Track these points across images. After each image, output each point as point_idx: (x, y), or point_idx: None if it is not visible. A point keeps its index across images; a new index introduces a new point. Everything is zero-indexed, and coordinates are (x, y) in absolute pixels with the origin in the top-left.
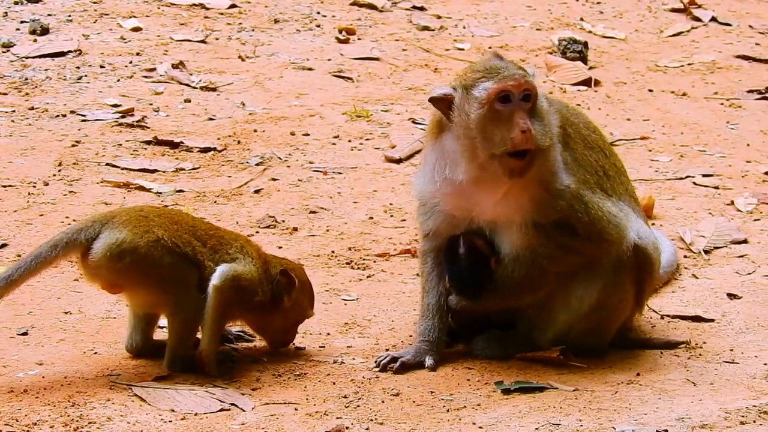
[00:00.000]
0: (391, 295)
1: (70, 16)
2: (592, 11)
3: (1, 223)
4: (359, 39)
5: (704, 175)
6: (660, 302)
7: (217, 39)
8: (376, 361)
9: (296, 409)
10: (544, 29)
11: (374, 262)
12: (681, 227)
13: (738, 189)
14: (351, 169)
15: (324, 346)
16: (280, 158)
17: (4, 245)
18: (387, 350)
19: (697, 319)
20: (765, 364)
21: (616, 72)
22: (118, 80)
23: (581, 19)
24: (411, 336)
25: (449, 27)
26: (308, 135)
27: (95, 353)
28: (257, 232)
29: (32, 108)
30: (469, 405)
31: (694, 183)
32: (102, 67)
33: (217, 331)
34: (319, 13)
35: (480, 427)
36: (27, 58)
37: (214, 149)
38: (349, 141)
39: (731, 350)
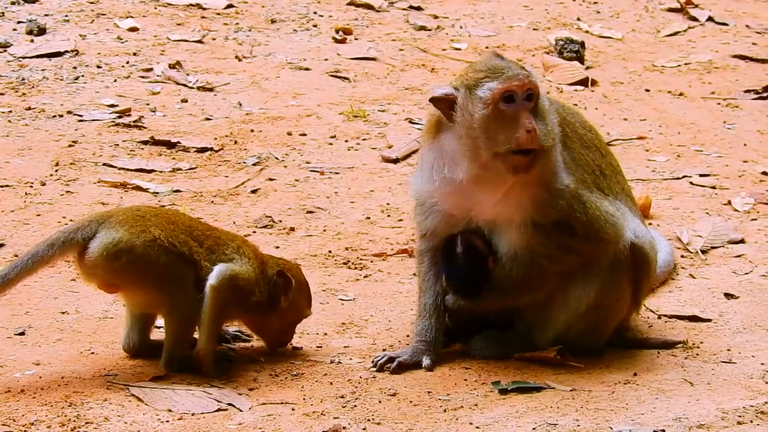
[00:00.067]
0: (388, 295)
1: (66, 16)
2: (589, 11)
3: None
4: (356, 39)
5: (701, 175)
6: (657, 302)
7: (213, 39)
8: (373, 361)
9: (293, 409)
10: (541, 29)
11: (371, 262)
12: (678, 227)
13: (735, 189)
14: (348, 169)
15: (321, 346)
16: (277, 158)
17: (1, 245)
18: (384, 350)
19: (694, 318)
20: (762, 364)
21: (613, 72)
22: (115, 80)
23: (578, 19)
24: (408, 336)
25: (446, 27)
26: (305, 135)
27: (92, 353)
28: (254, 232)
29: (29, 108)
30: (466, 405)
31: (691, 183)
32: (99, 67)
33: (215, 331)
34: (315, 13)
35: (477, 427)
36: (24, 58)
37: (211, 149)
38: (346, 141)
39: (728, 350)
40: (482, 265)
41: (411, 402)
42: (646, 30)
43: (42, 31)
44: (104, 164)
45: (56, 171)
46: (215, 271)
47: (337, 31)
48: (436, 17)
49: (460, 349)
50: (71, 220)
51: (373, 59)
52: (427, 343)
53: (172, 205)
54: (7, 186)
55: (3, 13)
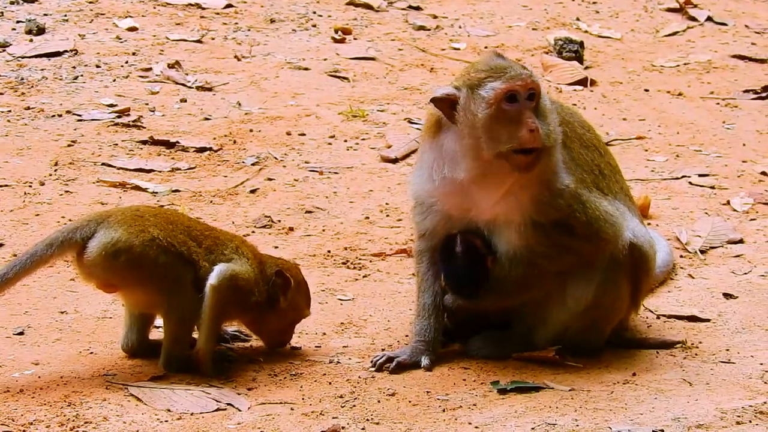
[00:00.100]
0: (387, 295)
1: (66, 15)
2: (588, 11)
3: None
4: (355, 39)
5: (700, 175)
6: (656, 302)
7: (213, 39)
8: (372, 361)
9: (292, 409)
10: (540, 29)
11: (370, 261)
12: (677, 227)
13: (734, 189)
14: (347, 169)
15: (320, 346)
16: (276, 158)
17: (0, 245)
18: (383, 350)
19: (693, 318)
20: (761, 364)
21: (612, 72)
22: (114, 80)
23: (577, 19)
24: (407, 336)
25: (445, 27)
26: (304, 135)
27: (91, 353)
28: (253, 231)
29: (28, 108)
30: (465, 405)
31: (690, 183)
32: (98, 66)
33: (214, 331)
34: (315, 12)
35: (476, 427)
36: (23, 57)
37: (210, 149)
38: (345, 141)
39: (727, 350)
40: (481, 265)
41: (410, 402)
42: (645, 30)
43: (41, 30)
44: (103, 164)
45: (55, 171)
46: (216, 271)
47: (336, 31)
48: (435, 17)
49: (458, 349)
50: (70, 220)
51: (372, 59)
52: (426, 343)
53: (171, 205)
54: (6, 186)
55: (2, 12)
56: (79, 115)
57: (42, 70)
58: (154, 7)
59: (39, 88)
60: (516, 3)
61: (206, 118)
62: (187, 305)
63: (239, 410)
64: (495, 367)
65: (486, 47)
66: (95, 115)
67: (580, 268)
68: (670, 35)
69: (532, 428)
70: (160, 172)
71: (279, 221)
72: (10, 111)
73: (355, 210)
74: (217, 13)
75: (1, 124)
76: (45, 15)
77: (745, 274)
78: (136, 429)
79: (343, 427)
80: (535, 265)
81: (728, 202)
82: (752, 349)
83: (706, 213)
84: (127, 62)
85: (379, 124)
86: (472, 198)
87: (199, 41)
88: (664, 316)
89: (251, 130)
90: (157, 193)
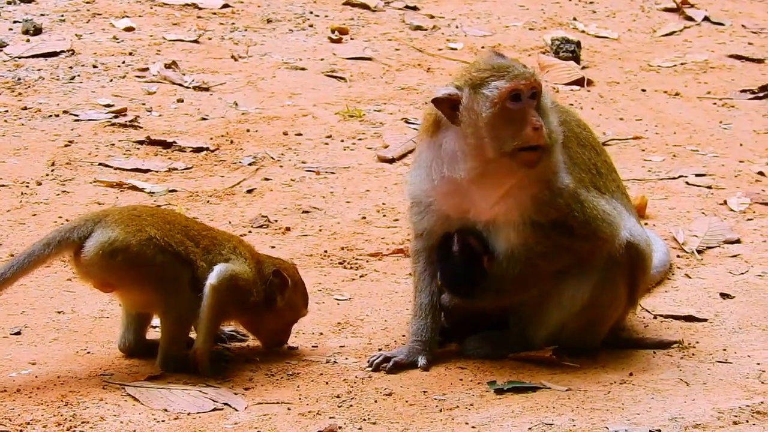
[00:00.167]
0: (383, 295)
1: (62, 16)
2: (585, 11)
3: None
4: (352, 39)
5: (697, 175)
6: (653, 302)
7: (209, 39)
8: (368, 361)
9: (289, 409)
10: (537, 29)
11: (367, 261)
12: (674, 227)
13: (731, 189)
14: (344, 169)
15: (317, 346)
16: (272, 158)
17: None
18: (380, 350)
19: (690, 318)
20: (758, 363)
21: (609, 72)
22: (111, 80)
23: (574, 19)
24: (404, 336)
25: (442, 27)
26: (301, 135)
27: (88, 353)
28: (250, 231)
29: (25, 108)
30: (461, 405)
31: (687, 183)
32: (95, 67)
33: (213, 331)
34: (311, 12)
35: (473, 427)
36: (20, 58)
37: (207, 149)
38: (342, 141)
39: (724, 350)
40: (477, 265)
41: (407, 402)
42: (642, 30)
43: (38, 30)
44: (100, 164)
45: (52, 171)
46: (215, 271)
47: (333, 31)
48: (432, 17)
49: (455, 348)
50: (67, 220)
51: (369, 59)
52: (422, 343)
53: (167, 205)
54: (3, 186)
55: None
56: (76, 115)
57: (39, 70)
58: (151, 8)
59: (36, 88)
60: (513, 3)
61: (203, 118)
62: (184, 305)
63: (236, 410)
64: (492, 367)
65: (483, 47)
66: (92, 115)
67: (577, 268)
68: (667, 35)
69: (529, 428)
70: (157, 172)
71: (276, 221)
72: (7, 111)
73: (352, 210)
74: (214, 13)
75: None
76: (42, 15)
77: (742, 274)
78: (133, 429)
79: (340, 427)
80: (533, 265)
81: (725, 202)
82: (749, 348)
83: (703, 213)
84: (124, 62)
85: (376, 124)
86: (471, 198)
87: (196, 41)
88: (661, 316)
89: (248, 130)
90: (154, 193)
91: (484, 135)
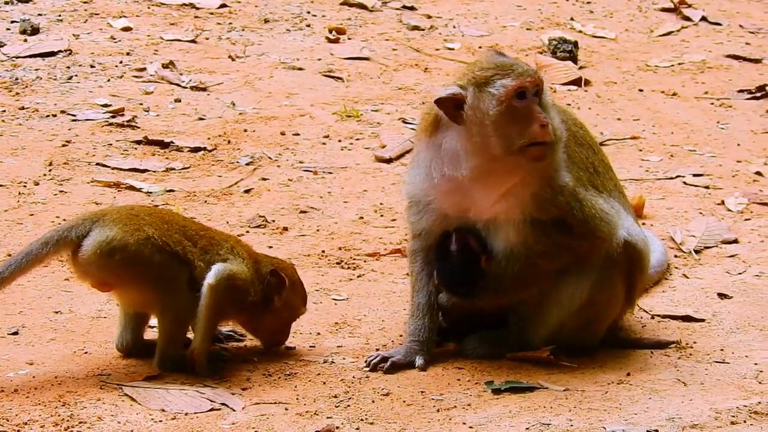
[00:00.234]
0: (381, 295)
1: (60, 15)
2: (583, 11)
3: None
4: (349, 39)
5: (695, 175)
6: (650, 302)
7: (207, 39)
8: (366, 361)
9: (286, 409)
10: (534, 29)
11: (364, 261)
12: (671, 227)
13: (728, 189)
14: (341, 169)
15: (314, 346)
16: (270, 158)
17: None
18: (377, 350)
19: (687, 318)
20: (755, 364)
21: (607, 72)
22: (109, 80)
23: (571, 19)
24: (401, 336)
25: (439, 27)
26: (298, 135)
27: (86, 353)
28: (247, 231)
29: (23, 108)
30: (459, 405)
31: (685, 183)
32: (92, 66)
33: (211, 331)
34: (309, 12)
35: (470, 427)
36: (17, 57)
37: (204, 149)
38: (339, 141)
39: (722, 350)
40: (475, 264)
41: (404, 402)
42: (639, 30)
43: (35, 30)
44: (97, 164)
45: (50, 171)
46: (213, 271)
47: (330, 31)
48: (429, 17)
49: (453, 348)
50: (65, 220)
51: (367, 59)
52: (420, 343)
53: (165, 205)
54: (0, 186)
55: None
56: (74, 115)
57: (36, 70)
58: (149, 7)
59: (33, 88)
60: (510, 3)
61: (200, 118)
62: (182, 305)
63: (233, 410)
64: (489, 366)
65: (480, 47)
66: (89, 115)
67: (575, 267)
68: (664, 35)
69: (527, 428)
70: (154, 172)
71: (273, 221)
72: (4, 111)
73: (350, 210)
74: (212, 13)
75: None
76: (39, 15)
77: (740, 274)
78: (131, 429)
79: (337, 427)
80: (532, 264)
81: (723, 202)
82: (747, 349)
83: (701, 213)
84: (121, 62)
85: (374, 124)
86: (472, 196)
87: (193, 41)
88: (658, 316)
89: (245, 130)
90: (151, 193)
91: (490, 133)
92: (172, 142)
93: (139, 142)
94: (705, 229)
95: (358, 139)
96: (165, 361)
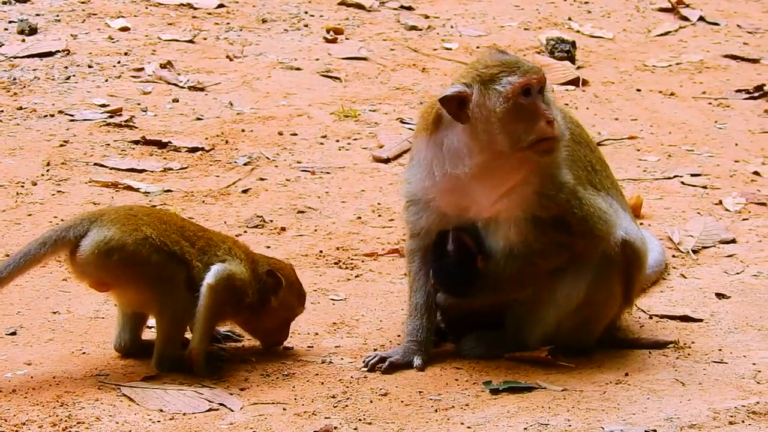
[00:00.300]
0: (379, 295)
1: (58, 16)
2: (580, 11)
3: None
4: (347, 39)
5: (692, 175)
6: (648, 302)
7: (205, 39)
8: (364, 361)
9: (284, 409)
10: (532, 29)
11: (362, 261)
12: (669, 227)
13: (726, 188)
14: (339, 169)
15: (312, 346)
16: (268, 158)
17: None
18: (375, 350)
19: (685, 318)
20: (754, 363)
21: (604, 71)
22: (106, 80)
23: (569, 19)
24: (399, 336)
25: (437, 27)
26: (296, 135)
27: (84, 353)
28: (245, 231)
29: (20, 108)
30: (457, 405)
31: (683, 182)
32: (90, 66)
33: (209, 331)
34: (306, 12)
35: (468, 427)
36: (15, 57)
37: (202, 149)
38: (337, 141)
39: (720, 350)
40: (471, 264)
41: (402, 402)
42: (637, 30)
43: (33, 30)
44: (95, 164)
45: (47, 171)
46: (212, 271)
47: (328, 31)
48: (427, 17)
49: (451, 349)
50: (62, 220)
51: (364, 59)
52: (418, 343)
53: (163, 205)
54: None
55: None
56: (72, 115)
57: (34, 70)
58: (146, 7)
59: (31, 88)
60: (508, 3)
61: (198, 118)
62: (179, 305)
63: (231, 410)
64: (487, 367)
65: (478, 47)
66: (87, 115)
67: (572, 265)
68: (662, 35)
69: (525, 428)
70: (152, 172)
71: (271, 221)
72: (2, 111)
73: (347, 210)
74: (209, 13)
75: None
76: (37, 15)
77: (738, 274)
78: (129, 429)
79: (335, 427)
80: (531, 263)
81: (720, 202)
82: (745, 349)
83: (699, 213)
84: (119, 62)
85: (371, 124)
86: (473, 195)
87: (191, 41)
88: (656, 316)
89: (243, 130)
90: (149, 193)
91: (496, 130)
92: (169, 142)
93: (136, 142)
94: (703, 229)
95: (355, 139)
96: (163, 362)
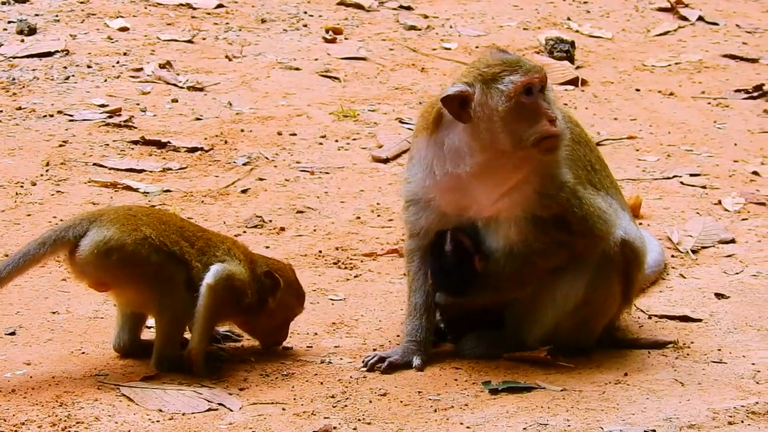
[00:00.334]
0: (378, 295)
1: (57, 16)
2: (579, 11)
3: None
4: (346, 39)
5: (691, 175)
6: (647, 302)
7: (204, 39)
8: (363, 361)
9: (284, 409)
10: (531, 29)
11: (361, 261)
12: (668, 227)
13: (725, 188)
14: (338, 169)
15: (311, 346)
16: (267, 158)
17: None
18: (374, 350)
19: (684, 318)
20: (753, 364)
21: (603, 71)
22: (106, 80)
23: (568, 19)
24: (398, 336)
25: (436, 27)
26: (295, 135)
27: (83, 353)
28: (244, 231)
29: (20, 108)
30: (456, 405)
31: (682, 182)
32: (89, 67)
33: (208, 331)
34: (306, 12)
35: (467, 427)
36: (14, 58)
37: (201, 149)
38: (336, 141)
39: (719, 350)
40: (469, 264)
41: (401, 402)
42: (636, 29)
43: (32, 30)
44: (95, 164)
45: (47, 171)
46: (212, 271)
47: (327, 31)
48: (426, 17)
49: (450, 349)
50: (62, 220)
51: (363, 59)
52: (417, 343)
53: (162, 205)
54: None
55: None
56: (71, 116)
57: (33, 70)
58: (145, 8)
59: (30, 89)
60: (507, 3)
61: (197, 118)
62: (179, 305)
63: (231, 410)
64: (486, 367)
65: (477, 47)
66: (86, 116)
67: (571, 265)
68: (661, 35)
69: (524, 428)
70: (151, 172)
71: (270, 221)
72: (1, 111)
73: (346, 210)
74: (208, 13)
75: None
76: (36, 15)
77: (737, 274)
78: (128, 429)
79: (334, 427)
80: (530, 262)
81: (720, 202)
82: (744, 349)
83: (698, 213)
84: (118, 62)
85: (370, 124)
86: (474, 194)
87: (190, 41)
88: (655, 316)
89: (242, 130)
90: (148, 193)
91: (499, 129)
92: (169, 142)
93: (136, 143)
94: (702, 229)
95: (354, 139)
96: (162, 362)
